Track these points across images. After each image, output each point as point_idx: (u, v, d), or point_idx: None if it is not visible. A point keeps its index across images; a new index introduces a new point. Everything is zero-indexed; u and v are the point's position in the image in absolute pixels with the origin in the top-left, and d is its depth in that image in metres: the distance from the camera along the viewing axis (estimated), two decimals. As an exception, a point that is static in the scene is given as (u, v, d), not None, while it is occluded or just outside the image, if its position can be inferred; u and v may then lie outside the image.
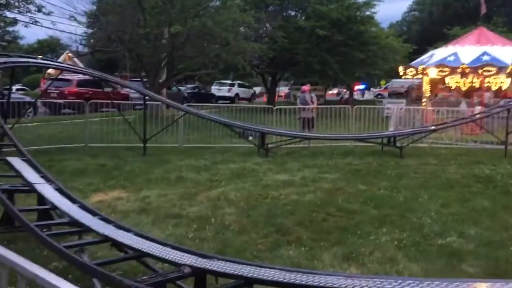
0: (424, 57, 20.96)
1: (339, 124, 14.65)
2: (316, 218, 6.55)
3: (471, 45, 18.69)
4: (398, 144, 12.40)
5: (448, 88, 18.85)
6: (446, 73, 18.25)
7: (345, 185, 8.59)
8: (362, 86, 55.17)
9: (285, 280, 3.18)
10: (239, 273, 3.37)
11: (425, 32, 49.19)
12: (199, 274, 3.54)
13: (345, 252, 5.27)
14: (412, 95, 27.11)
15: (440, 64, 18.38)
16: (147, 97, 12.70)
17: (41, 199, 5.37)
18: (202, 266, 3.54)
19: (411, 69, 19.52)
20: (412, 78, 21.80)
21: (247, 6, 23.42)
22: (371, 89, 57.63)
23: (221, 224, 6.26)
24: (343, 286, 2.91)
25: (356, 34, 27.26)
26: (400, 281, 2.82)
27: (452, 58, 18.32)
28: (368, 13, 28.49)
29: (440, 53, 19.73)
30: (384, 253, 5.28)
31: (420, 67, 18.87)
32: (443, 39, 30.21)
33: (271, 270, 3.39)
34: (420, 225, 6.29)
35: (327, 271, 4.34)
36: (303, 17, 28.01)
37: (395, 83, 40.92)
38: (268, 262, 4.76)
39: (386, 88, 46.53)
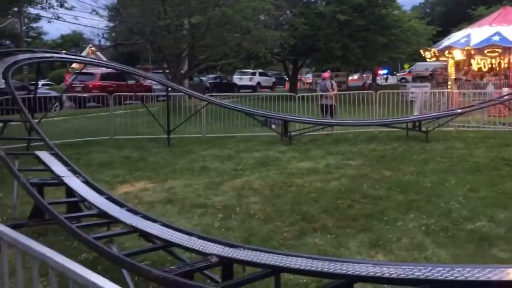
0: (458, 37, 20.46)
1: (363, 110, 14.48)
2: (341, 205, 6.51)
3: (486, 26, 18.17)
4: (423, 129, 12.20)
5: (471, 70, 18.42)
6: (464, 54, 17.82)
7: (370, 172, 8.51)
8: (384, 71, 54.37)
9: (312, 268, 3.17)
10: (266, 262, 3.37)
11: (449, 14, 48.05)
12: (226, 263, 3.56)
13: (372, 239, 5.23)
14: (437, 78, 26.57)
15: (449, 46, 18.01)
16: (169, 88, 12.78)
17: (70, 192, 5.48)
18: (229, 255, 3.56)
19: (433, 51, 19.11)
20: (437, 60, 21.33)
21: (266, -7, 23.23)
22: (395, 73, 56.75)
23: (247, 213, 6.28)
24: (371, 273, 2.88)
25: (378, 18, 26.81)
26: (429, 268, 2.78)
27: (464, 40, 17.89)
28: (390, -4, 27.95)
29: (458, 34, 19.32)
30: (411, 239, 5.23)
31: (445, 50, 18.46)
32: (468, 20, 29.45)
33: (298, 258, 3.38)
34: (448, 210, 6.19)
35: (354, 259, 4.31)
36: (323, 3, 27.64)
37: (419, 67, 40.21)
38: (294, 250, 4.76)
39: (410, 72, 45.79)
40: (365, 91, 15.81)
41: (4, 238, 2.13)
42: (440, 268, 2.73)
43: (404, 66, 49.81)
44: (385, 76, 54.46)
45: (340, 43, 26.16)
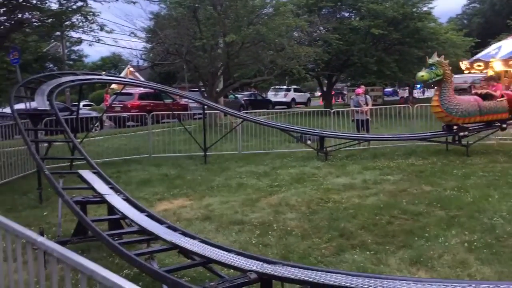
0: (490, 49, 20.01)
1: (400, 124, 14.29)
2: (380, 221, 6.42)
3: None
4: (463, 142, 11.91)
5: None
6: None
7: (409, 187, 8.36)
8: (418, 85, 53.40)
9: (352, 285, 3.14)
10: (305, 279, 3.36)
11: (488, 24, 47.02)
12: (265, 280, 3.58)
13: (413, 256, 5.13)
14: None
15: (477, 59, 17.70)
16: (205, 106, 12.98)
17: (111, 209, 5.62)
18: (268, 271, 3.57)
19: (479, 63, 18.68)
20: (480, 72, 20.83)
21: (300, 10, 23.42)
22: (433, 86, 55.62)
23: (284, 229, 6.28)
24: (413, 290, 2.84)
25: (413, 31, 26.51)
26: (474, 285, 2.72)
27: (494, 51, 17.62)
28: (425, 8, 27.64)
29: (492, 46, 18.96)
30: (454, 256, 5.10)
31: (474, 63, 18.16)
32: (507, 31, 28.72)
33: (337, 275, 3.37)
34: (492, 226, 6.01)
35: (394, 276, 4.24)
36: (357, 18, 27.57)
37: (457, 79, 39.29)
38: (332, 267, 4.73)
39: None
40: (402, 105, 15.59)
41: (54, 254, 2.23)
42: (484, 286, 2.67)
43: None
44: (422, 89, 53.51)
45: (375, 57, 25.98)
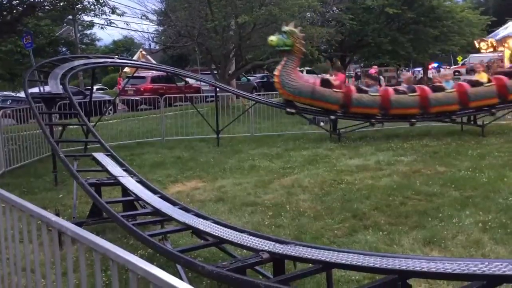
0: (502, 28, 19.65)
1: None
2: (393, 202, 6.40)
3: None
4: (479, 122, 11.75)
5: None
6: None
7: (423, 168, 8.31)
8: (435, 64, 52.61)
9: (364, 264, 3.15)
10: (317, 258, 3.37)
11: (504, 2, 45.94)
12: (278, 260, 3.60)
13: (426, 236, 5.11)
14: (492, 69, 25.45)
15: (507, 36, 17.23)
16: (218, 89, 12.96)
17: (125, 191, 5.68)
18: (280, 251, 3.59)
19: (490, 41, 18.38)
20: (493, 52, 20.47)
21: (312, -10, 23.07)
22: (447, 66, 54.78)
23: (296, 210, 6.30)
24: (426, 269, 2.83)
25: (428, 9, 26.00)
26: (486, 263, 2.70)
27: None
28: (440, -14, 27.06)
29: None
30: (468, 236, 5.07)
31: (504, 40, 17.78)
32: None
33: (349, 254, 3.37)
34: (507, 206, 5.95)
35: (407, 255, 4.24)
36: (371, -3, 27.13)
37: (473, 59, 38.66)
38: (345, 247, 4.73)
39: (463, 64, 44.08)
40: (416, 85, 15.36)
41: (68, 233, 2.26)
42: (498, 263, 2.65)
43: (457, 58, 48.01)
44: (437, 69, 52.73)
45: (389, 37, 25.59)
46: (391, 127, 13.17)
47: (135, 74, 17.01)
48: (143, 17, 22.27)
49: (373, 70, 15.57)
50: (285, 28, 10.91)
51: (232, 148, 11.43)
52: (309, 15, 23.07)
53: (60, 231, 2.33)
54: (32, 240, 2.80)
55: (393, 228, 5.41)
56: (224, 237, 4.04)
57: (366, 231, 5.39)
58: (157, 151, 11.40)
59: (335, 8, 25.24)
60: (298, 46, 11.01)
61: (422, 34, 26.53)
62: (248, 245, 3.80)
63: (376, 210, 6.11)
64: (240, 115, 13.55)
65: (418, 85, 12.08)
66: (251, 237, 3.96)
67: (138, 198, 5.32)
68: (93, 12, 14.60)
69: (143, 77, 24.49)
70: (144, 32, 27.30)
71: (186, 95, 15.91)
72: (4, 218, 3.02)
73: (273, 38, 10.83)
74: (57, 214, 5.48)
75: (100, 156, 6.42)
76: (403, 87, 12.13)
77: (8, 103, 19.57)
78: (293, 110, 11.52)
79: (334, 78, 11.85)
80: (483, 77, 11.89)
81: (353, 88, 11.89)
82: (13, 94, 19.19)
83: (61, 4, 12.34)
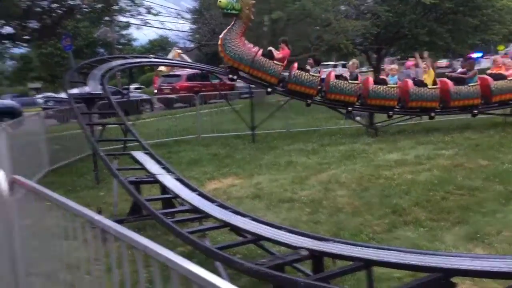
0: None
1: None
2: (434, 197, 6.24)
3: None
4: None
5: None
6: None
7: (465, 161, 8.06)
8: (478, 54, 50.88)
9: (406, 262, 3.08)
10: (358, 255, 3.33)
11: (549, -13, 43.95)
12: (317, 257, 3.57)
13: (469, 232, 4.97)
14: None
15: None
16: (252, 85, 12.95)
17: (164, 189, 5.76)
18: (319, 248, 3.56)
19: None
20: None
21: (346, -18, 22.76)
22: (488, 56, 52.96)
23: (334, 206, 6.24)
24: (471, 267, 2.74)
25: (467, -2, 25.23)
26: (536, 261, 2.60)
27: None
28: (479, -26, 26.18)
29: None
30: (514, 232, 4.90)
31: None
32: None
33: (390, 251, 3.31)
34: (555, 200, 5.72)
35: (450, 252, 4.13)
36: (407, -13, 26.52)
37: (516, 48, 37.26)
38: (385, 244, 4.65)
39: (505, 54, 42.55)
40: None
41: (110, 231, 2.30)
42: (548, 262, 2.54)
43: (498, 48, 46.39)
44: (478, 60, 50.97)
45: (427, 28, 24.95)
46: (430, 120, 12.80)
47: (170, 73, 17.22)
48: (178, 16, 22.57)
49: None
50: None
51: (268, 144, 11.42)
52: (343, 8, 22.78)
53: (102, 229, 2.38)
54: (76, 238, 2.87)
55: (434, 224, 5.29)
56: (262, 234, 4.04)
57: (407, 227, 5.29)
58: (194, 148, 11.52)
59: (370, 0, 24.81)
60: (247, 12, 10.76)
61: (461, 24, 25.76)
62: (287, 242, 3.79)
63: (417, 206, 5.98)
64: (275, 110, 13.50)
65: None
66: (289, 234, 3.95)
67: (176, 196, 5.39)
68: (129, 13, 14.88)
69: (178, 76, 24.77)
70: (179, 31, 27.54)
71: (221, 92, 16.00)
72: (50, 216, 3.11)
73: (222, 0, 10.52)
74: (99, 212, 5.63)
75: (139, 155, 6.54)
76: (346, 74, 12.09)
77: (50, 104, 20.22)
78: (235, 77, 11.48)
79: (278, 52, 11.56)
80: (430, 75, 11.56)
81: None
82: (54, 95, 19.81)
83: (98, 6, 12.62)
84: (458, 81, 11.23)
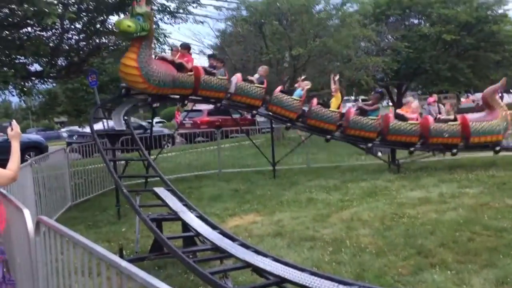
0: None
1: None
2: (460, 238, 6.09)
3: None
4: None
5: None
6: None
7: (491, 200, 7.89)
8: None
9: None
10: (383, 301, 3.24)
11: None
12: (341, 301, 3.49)
13: (498, 276, 4.81)
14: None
15: None
16: (273, 120, 13.01)
17: (185, 226, 5.76)
18: (344, 293, 3.48)
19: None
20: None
21: (366, 20, 23.01)
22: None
23: (357, 246, 6.12)
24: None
25: (489, 34, 25.18)
26: None
27: None
28: (500, 11, 26.20)
29: None
30: (545, 277, 4.72)
31: None
32: None
33: (418, 298, 3.21)
34: None
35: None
36: (427, 24, 26.67)
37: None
38: (411, 288, 4.53)
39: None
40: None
41: (124, 272, 2.31)
42: None
43: (521, 83, 45.89)
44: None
45: (447, 63, 24.95)
46: (453, 156, 12.63)
47: (192, 107, 17.43)
48: (200, 53, 23.03)
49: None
50: (141, 10, 8.69)
51: (289, 180, 11.37)
52: (363, 45, 22.97)
53: (117, 270, 2.40)
54: (91, 275, 2.89)
55: (461, 267, 5.14)
56: (285, 276, 3.98)
57: (433, 269, 5.15)
58: (215, 183, 11.53)
59: (390, 37, 24.98)
60: (152, 29, 9.30)
61: (483, 60, 25.71)
62: (310, 285, 3.72)
63: (442, 247, 5.83)
64: (296, 146, 13.51)
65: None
66: (312, 276, 3.88)
67: (198, 234, 5.37)
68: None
69: (199, 110, 25.09)
70: (201, 66, 28.10)
71: (242, 127, 16.11)
72: (68, 252, 3.14)
73: (129, 23, 8.42)
74: (121, 250, 5.65)
75: (161, 191, 6.57)
76: (256, 79, 12.35)
77: (74, 138, 20.58)
78: (157, 104, 10.53)
79: (185, 60, 10.56)
80: (337, 98, 11.82)
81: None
82: (79, 129, 20.20)
83: (124, 43, 12.96)
84: (362, 112, 11.55)
